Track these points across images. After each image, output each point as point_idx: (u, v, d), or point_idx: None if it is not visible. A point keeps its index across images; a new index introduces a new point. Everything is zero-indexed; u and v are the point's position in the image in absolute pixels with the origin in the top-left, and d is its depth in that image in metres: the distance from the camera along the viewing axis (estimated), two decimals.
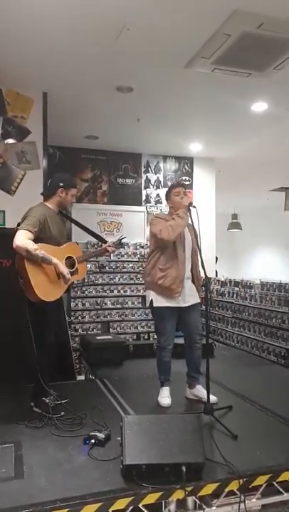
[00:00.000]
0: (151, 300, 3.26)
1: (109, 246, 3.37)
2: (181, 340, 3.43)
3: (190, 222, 3.20)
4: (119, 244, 3.52)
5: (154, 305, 3.24)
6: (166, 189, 3.56)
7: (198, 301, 3.33)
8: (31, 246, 2.71)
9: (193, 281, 3.32)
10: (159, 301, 3.23)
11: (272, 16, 2.98)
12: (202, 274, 3.15)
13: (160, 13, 3.00)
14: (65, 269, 2.88)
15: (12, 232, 2.79)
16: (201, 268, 3.13)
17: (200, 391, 3.27)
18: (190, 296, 3.27)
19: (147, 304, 3.35)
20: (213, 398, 3.06)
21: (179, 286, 3.17)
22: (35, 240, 2.78)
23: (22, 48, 3.50)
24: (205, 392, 3.15)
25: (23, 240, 2.71)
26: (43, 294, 2.77)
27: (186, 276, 3.25)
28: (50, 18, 3.07)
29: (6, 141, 4.22)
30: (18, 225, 2.86)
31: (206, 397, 3.14)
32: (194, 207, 3.19)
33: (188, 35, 3.26)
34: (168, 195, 3.39)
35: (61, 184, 3.05)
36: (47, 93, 4.37)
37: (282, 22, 3.04)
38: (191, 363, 3.33)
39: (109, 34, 3.26)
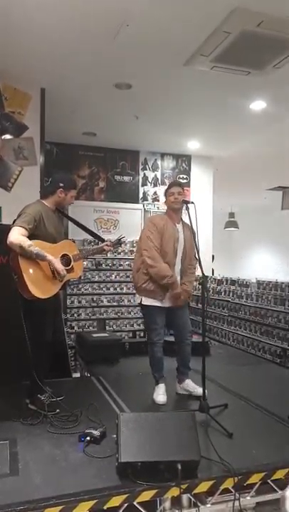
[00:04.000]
0: (141, 299, 3.31)
1: (106, 245, 3.35)
2: (173, 338, 3.45)
3: (187, 222, 3.23)
4: (118, 243, 3.50)
5: (143, 303, 3.30)
6: (164, 187, 3.57)
7: (186, 301, 3.37)
8: (25, 242, 2.69)
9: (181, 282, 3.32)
10: (149, 301, 3.27)
11: (272, 15, 2.98)
12: (199, 273, 3.16)
13: (160, 10, 2.98)
14: (59, 266, 2.86)
15: (8, 229, 2.78)
16: (198, 266, 3.14)
17: (189, 385, 3.33)
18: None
19: (137, 302, 3.43)
20: (198, 391, 3.12)
21: (162, 289, 3.20)
22: (31, 237, 2.77)
23: (20, 43, 3.47)
24: (194, 385, 3.28)
25: (16, 236, 2.69)
26: (37, 291, 2.75)
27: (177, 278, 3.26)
28: (49, 14, 3.05)
29: (3, 137, 4.20)
30: (14, 222, 2.85)
31: (195, 390, 3.26)
32: (192, 203, 3.19)
33: (187, 33, 3.25)
34: (165, 194, 3.43)
35: (61, 185, 3.04)
36: (45, 89, 4.34)
37: (282, 21, 3.03)
38: (181, 359, 3.38)
39: (109, 30, 3.24)
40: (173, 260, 3.23)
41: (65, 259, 3.01)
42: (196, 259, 3.24)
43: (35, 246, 2.74)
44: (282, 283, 5.13)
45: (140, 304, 3.36)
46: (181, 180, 6.70)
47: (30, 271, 2.75)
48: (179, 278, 3.29)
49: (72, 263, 3.05)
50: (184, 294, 3.27)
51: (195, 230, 3.09)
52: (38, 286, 2.77)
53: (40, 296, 2.78)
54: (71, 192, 3.10)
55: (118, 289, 6.17)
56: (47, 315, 2.99)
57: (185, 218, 3.35)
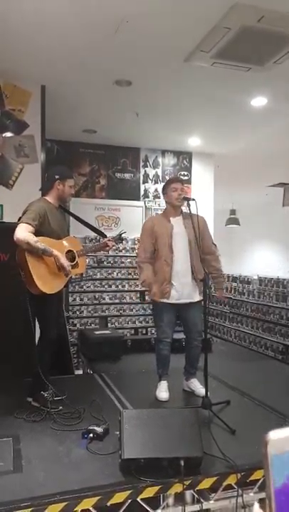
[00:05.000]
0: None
1: (109, 241, 3.37)
2: (179, 336, 3.45)
3: (190, 216, 3.22)
4: (119, 239, 3.51)
5: (153, 298, 3.33)
6: (164, 183, 3.56)
7: (199, 299, 3.30)
8: (32, 238, 2.72)
9: (194, 277, 3.30)
10: (158, 296, 3.29)
11: (272, 10, 2.95)
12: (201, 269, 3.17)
13: (159, 6, 2.97)
14: (65, 261, 2.88)
15: (11, 227, 2.79)
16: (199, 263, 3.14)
17: (193, 384, 3.35)
18: (189, 294, 3.27)
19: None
20: (201, 391, 3.12)
21: (166, 286, 3.22)
22: (36, 234, 2.79)
23: (20, 41, 3.46)
24: (197, 385, 3.29)
25: (23, 233, 2.71)
26: (44, 286, 2.78)
27: (182, 274, 3.24)
28: (49, 11, 3.03)
29: (3, 135, 4.19)
30: (19, 219, 2.86)
31: (197, 390, 3.27)
32: (193, 200, 3.18)
33: (187, 28, 3.23)
34: (165, 189, 3.40)
35: (57, 176, 3.06)
36: (45, 86, 4.33)
37: (283, 16, 3.01)
38: (188, 359, 3.39)
39: (108, 27, 3.22)
40: (169, 257, 3.22)
41: (70, 255, 3.03)
42: (213, 244, 3.46)
43: (41, 242, 2.76)
44: (284, 279, 5.13)
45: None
46: (181, 178, 6.69)
47: (37, 267, 2.77)
48: (183, 276, 3.23)
49: (76, 259, 3.07)
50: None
51: (196, 227, 3.08)
52: (45, 282, 2.79)
53: (48, 292, 2.81)
54: (68, 181, 3.10)
55: (120, 286, 6.17)
56: (51, 310, 3.01)
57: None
